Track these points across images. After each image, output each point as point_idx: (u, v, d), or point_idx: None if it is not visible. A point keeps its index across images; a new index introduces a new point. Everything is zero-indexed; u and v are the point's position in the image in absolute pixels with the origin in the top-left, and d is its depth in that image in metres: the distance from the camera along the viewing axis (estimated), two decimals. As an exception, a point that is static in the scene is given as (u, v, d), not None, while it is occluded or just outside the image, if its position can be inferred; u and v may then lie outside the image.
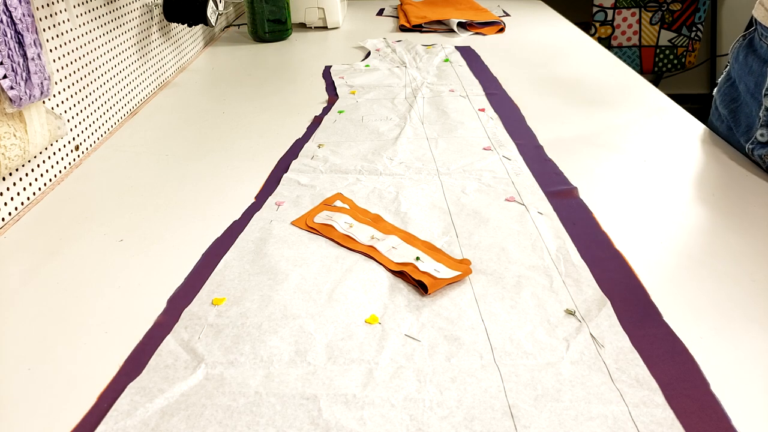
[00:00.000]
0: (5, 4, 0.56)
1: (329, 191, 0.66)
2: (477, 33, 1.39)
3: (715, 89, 0.81)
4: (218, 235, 0.58)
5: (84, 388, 0.41)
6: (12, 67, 0.57)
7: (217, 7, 1.11)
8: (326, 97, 0.98)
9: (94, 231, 0.60)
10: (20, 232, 0.61)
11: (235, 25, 1.56)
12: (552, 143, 0.77)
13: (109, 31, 0.88)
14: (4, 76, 0.56)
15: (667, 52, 2.55)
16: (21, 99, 0.58)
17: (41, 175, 0.69)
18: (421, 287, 0.49)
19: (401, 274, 0.52)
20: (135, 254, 0.56)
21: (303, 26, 1.49)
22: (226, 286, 0.51)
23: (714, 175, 0.68)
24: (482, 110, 0.89)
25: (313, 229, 0.59)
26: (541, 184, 0.66)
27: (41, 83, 0.61)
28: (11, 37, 0.57)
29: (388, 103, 0.93)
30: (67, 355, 0.44)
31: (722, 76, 0.80)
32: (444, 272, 0.51)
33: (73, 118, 0.77)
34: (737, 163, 0.71)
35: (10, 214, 0.63)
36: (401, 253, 0.54)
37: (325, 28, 1.49)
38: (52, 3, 0.73)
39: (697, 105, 2.63)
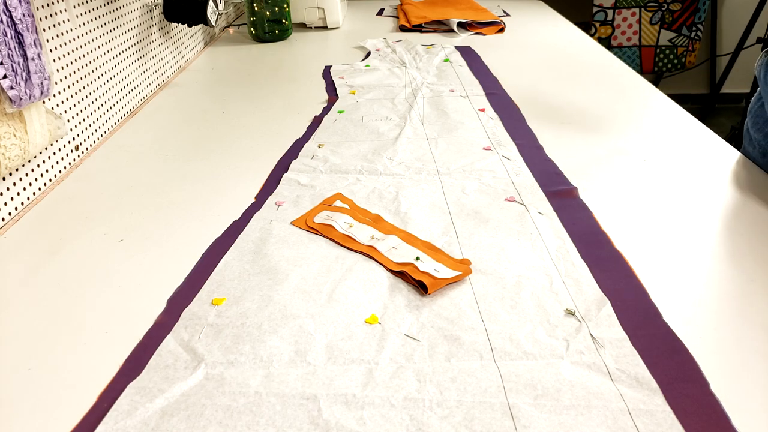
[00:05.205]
0: (5, 4, 0.56)
1: (329, 191, 0.66)
2: (477, 33, 1.39)
3: (748, 111, 0.76)
4: (218, 235, 0.58)
5: (84, 388, 0.41)
6: (12, 67, 0.57)
7: (217, 7, 1.11)
8: (326, 97, 0.98)
9: (94, 231, 0.60)
10: (20, 232, 0.61)
11: (235, 25, 1.56)
12: (552, 143, 0.77)
13: (109, 31, 0.88)
14: (4, 76, 0.56)
15: (667, 52, 2.55)
16: (21, 99, 0.58)
17: (41, 175, 0.69)
18: (421, 287, 0.49)
19: (401, 274, 0.52)
20: (135, 254, 0.56)
21: (303, 26, 1.49)
22: (226, 286, 0.51)
23: (713, 174, 0.68)
24: (482, 110, 0.89)
25: (313, 229, 0.59)
26: (541, 184, 0.66)
27: (41, 83, 0.61)
28: (11, 37, 0.57)
29: (388, 103, 0.93)
30: (67, 355, 0.44)
31: (754, 97, 0.75)
32: (444, 272, 0.51)
33: (73, 118, 0.77)
34: (737, 162, 0.71)
35: (10, 214, 0.63)
36: (401, 253, 0.54)
37: (325, 28, 1.49)
38: (52, 3, 0.73)
39: (697, 105, 2.63)
